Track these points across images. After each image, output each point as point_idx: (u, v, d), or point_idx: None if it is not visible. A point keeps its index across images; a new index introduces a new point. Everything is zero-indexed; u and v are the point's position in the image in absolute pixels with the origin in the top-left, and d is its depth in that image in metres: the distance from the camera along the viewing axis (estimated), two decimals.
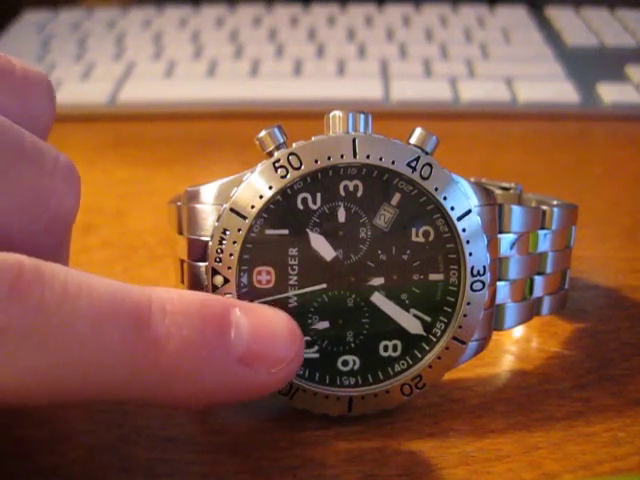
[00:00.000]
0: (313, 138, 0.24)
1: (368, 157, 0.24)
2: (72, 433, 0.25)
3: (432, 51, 0.64)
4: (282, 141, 0.24)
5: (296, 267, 0.25)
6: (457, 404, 0.27)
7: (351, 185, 0.25)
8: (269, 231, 0.25)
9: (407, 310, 0.26)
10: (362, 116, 0.25)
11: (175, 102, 0.57)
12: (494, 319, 0.27)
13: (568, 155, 0.52)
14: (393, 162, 0.24)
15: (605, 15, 0.71)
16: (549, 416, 0.26)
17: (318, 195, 0.25)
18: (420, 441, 0.25)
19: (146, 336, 0.20)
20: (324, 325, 0.25)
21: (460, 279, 0.25)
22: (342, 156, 0.24)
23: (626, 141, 0.54)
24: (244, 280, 0.25)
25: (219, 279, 0.24)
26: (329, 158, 0.24)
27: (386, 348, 0.26)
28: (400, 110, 0.56)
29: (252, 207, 0.24)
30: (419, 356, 0.26)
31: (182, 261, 0.26)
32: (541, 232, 0.28)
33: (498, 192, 0.34)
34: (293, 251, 0.25)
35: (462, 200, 0.25)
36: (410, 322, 0.26)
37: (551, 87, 0.58)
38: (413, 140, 0.25)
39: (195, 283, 0.25)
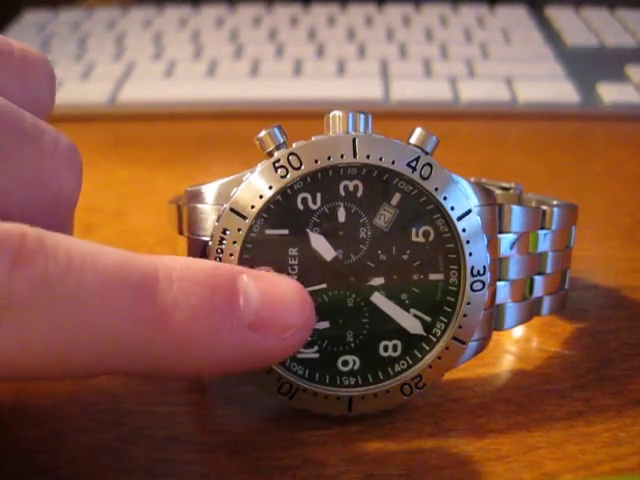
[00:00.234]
0: (313, 138, 0.24)
1: (368, 157, 0.24)
2: (72, 433, 0.25)
3: (432, 51, 0.64)
4: (282, 141, 0.24)
5: (296, 267, 0.25)
6: (457, 404, 0.27)
7: (351, 185, 0.25)
8: (269, 231, 0.25)
9: (407, 310, 0.26)
10: (362, 116, 0.25)
11: (175, 102, 0.57)
12: (494, 319, 0.27)
13: (568, 155, 0.52)
14: (393, 162, 0.24)
15: (605, 15, 0.72)
16: (549, 416, 0.26)
17: (318, 195, 0.25)
18: (420, 441, 0.25)
19: (153, 305, 0.19)
20: (324, 325, 0.25)
21: (460, 279, 0.25)
22: (342, 156, 0.24)
23: (626, 141, 0.54)
24: None
25: None
26: (329, 158, 0.24)
27: (386, 348, 0.26)
28: (400, 110, 0.56)
29: (252, 207, 0.24)
30: (419, 356, 0.26)
31: None
32: (541, 232, 0.28)
33: (498, 192, 0.34)
34: (293, 251, 0.25)
35: (462, 200, 0.25)
36: (410, 322, 0.26)
37: (551, 87, 0.58)
38: (413, 140, 0.25)
39: None
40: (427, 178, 0.24)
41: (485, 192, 0.26)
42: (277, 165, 0.24)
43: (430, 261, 0.25)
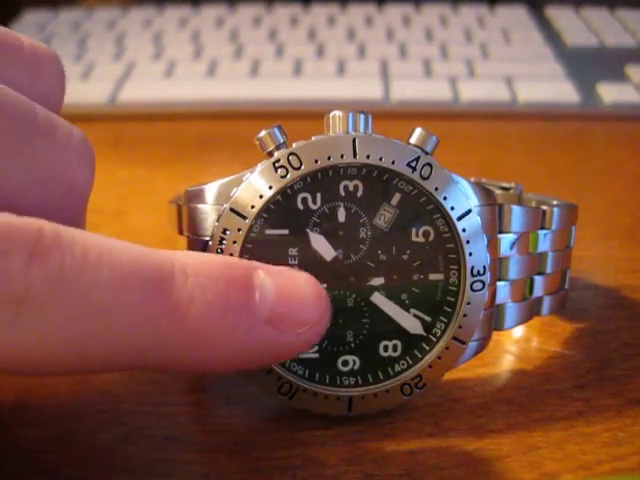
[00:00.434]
0: (313, 138, 0.24)
1: (368, 157, 0.24)
2: (73, 433, 0.25)
3: (432, 51, 0.64)
4: (282, 141, 0.24)
5: (296, 267, 0.25)
6: (457, 404, 0.27)
7: (351, 185, 0.25)
8: (269, 231, 0.25)
9: (407, 310, 0.26)
10: (362, 116, 0.25)
11: (175, 102, 0.57)
12: (494, 319, 0.27)
13: (568, 155, 0.52)
14: (393, 162, 0.24)
15: (605, 15, 0.72)
16: (549, 416, 0.26)
17: (318, 195, 0.25)
18: (420, 441, 0.25)
19: (169, 300, 0.19)
20: None
21: (460, 279, 0.25)
22: (342, 156, 0.24)
23: (626, 141, 0.54)
24: None
25: None
26: (329, 158, 0.24)
27: (386, 348, 0.26)
28: (400, 110, 0.56)
29: (252, 207, 0.24)
30: (419, 356, 0.26)
31: None
32: (541, 232, 0.28)
33: (498, 192, 0.34)
34: (293, 251, 0.25)
35: (462, 200, 0.25)
36: (410, 322, 0.26)
37: (551, 87, 0.58)
38: (413, 140, 0.25)
39: None
40: (427, 178, 0.24)
41: (485, 192, 0.26)
42: (277, 165, 0.24)
43: (430, 261, 0.25)
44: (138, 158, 0.51)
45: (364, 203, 0.25)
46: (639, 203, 0.45)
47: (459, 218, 0.25)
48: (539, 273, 0.28)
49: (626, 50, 0.65)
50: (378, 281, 0.25)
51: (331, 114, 0.25)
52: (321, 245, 0.25)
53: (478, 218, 0.25)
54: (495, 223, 0.26)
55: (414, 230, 0.25)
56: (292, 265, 0.25)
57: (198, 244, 0.25)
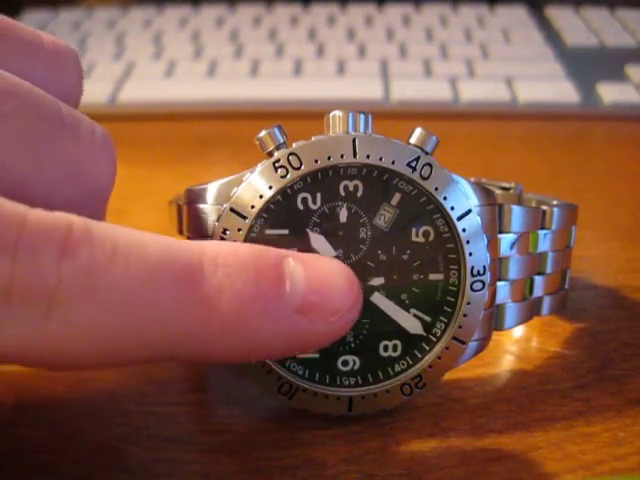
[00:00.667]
0: (313, 138, 0.24)
1: (368, 157, 0.24)
2: (72, 433, 0.25)
3: (432, 51, 0.64)
4: (282, 141, 0.24)
5: None
6: (457, 404, 0.27)
7: (351, 185, 0.25)
8: (269, 231, 0.25)
9: (407, 310, 0.26)
10: (362, 116, 0.25)
11: (175, 102, 0.57)
12: (494, 319, 0.27)
13: (568, 155, 0.52)
14: (393, 162, 0.24)
15: (605, 15, 0.72)
16: (549, 416, 0.26)
17: (318, 195, 0.25)
18: (420, 441, 0.25)
19: (199, 291, 0.19)
20: None
21: (460, 279, 0.25)
22: (342, 156, 0.24)
23: (626, 141, 0.54)
24: None
25: None
26: (329, 158, 0.24)
27: (386, 348, 0.26)
28: (400, 110, 0.56)
29: (252, 207, 0.24)
30: (419, 356, 0.26)
31: None
32: (541, 232, 0.28)
33: (498, 192, 0.34)
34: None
35: (462, 200, 0.25)
36: (410, 322, 0.26)
37: (551, 87, 0.58)
38: (413, 140, 0.25)
39: None
40: (427, 178, 0.24)
41: (485, 192, 0.26)
42: (277, 165, 0.24)
43: (430, 261, 0.25)
44: (138, 158, 0.51)
45: (364, 203, 0.25)
46: (639, 203, 0.45)
47: (459, 218, 0.25)
48: (539, 273, 0.28)
49: (626, 50, 0.65)
50: (378, 281, 0.25)
51: (331, 114, 0.25)
52: (321, 245, 0.25)
53: (478, 218, 0.25)
54: (495, 223, 0.26)
55: (414, 230, 0.25)
56: None
57: None
